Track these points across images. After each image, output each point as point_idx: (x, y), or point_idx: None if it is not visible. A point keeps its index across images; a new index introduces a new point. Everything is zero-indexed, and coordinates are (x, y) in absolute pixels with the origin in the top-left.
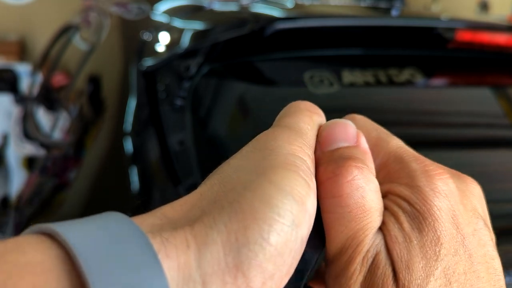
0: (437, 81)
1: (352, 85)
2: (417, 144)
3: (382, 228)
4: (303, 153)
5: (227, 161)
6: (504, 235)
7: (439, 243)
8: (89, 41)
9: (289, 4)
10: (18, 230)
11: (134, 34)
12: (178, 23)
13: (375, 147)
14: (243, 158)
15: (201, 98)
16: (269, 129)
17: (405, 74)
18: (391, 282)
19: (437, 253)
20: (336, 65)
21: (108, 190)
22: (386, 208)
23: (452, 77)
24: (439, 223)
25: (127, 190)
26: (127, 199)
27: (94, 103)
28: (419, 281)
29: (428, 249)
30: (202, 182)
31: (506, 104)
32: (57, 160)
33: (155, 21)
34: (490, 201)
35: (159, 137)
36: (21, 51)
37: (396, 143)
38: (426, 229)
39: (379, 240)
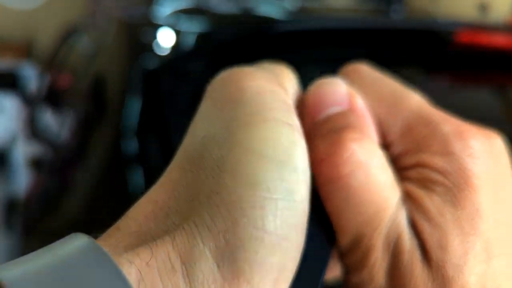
0: (437, 82)
1: None
2: None
3: (409, 204)
4: (270, 84)
5: (191, 129)
6: None
7: (478, 216)
8: (94, 43)
9: (293, 7)
10: (26, 229)
11: (138, 36)
12: (182, 24)
13: (392, 108)
14: (207, 121)
15: None
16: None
17: (405, 76)
18: (420, 265)
19: (475, 227)
20: (337, 66)
21: (112, 191)
22: (414, 181)
23: (452, 78)
24: (477, 194)
25: (131, 191)
26: (131, 201)
27: (99, 105)
28: (455, 260)
29: (464, 223)
30: (171, 166)
31: (506, 105)
32: (63, 161)
33: (159, 23)
34: None
35: (162, 138)
36: (28, 53)
37: (417, 101)
38: (463, 202)
39: (400, 218)
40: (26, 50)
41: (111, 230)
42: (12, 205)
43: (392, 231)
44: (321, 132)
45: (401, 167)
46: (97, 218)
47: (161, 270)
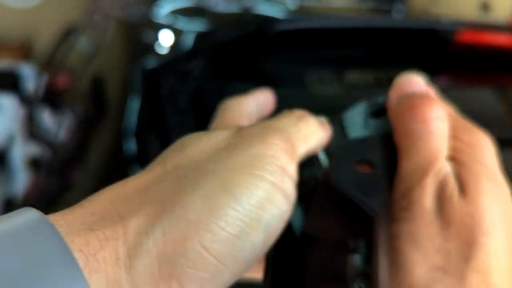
0: (438, 82)
1: (353, 86)
2: None
3: (452, 160)
4: (276, 150)
5: (195, 141)
6: None
7: (499, 171)
8: (93, 43)
9: (292, 6)
10: None
11: (137, 36)
12: (181, 24)
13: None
14: (210, 147)
15: (204, 99)
16: (250, 126)
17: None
18: (458, 197)
19: (499, 179)
20: (338, 66)
21: None
22: (451, 148)
23: (453, 78)
24: (493, 158)
25: None
26: None
27: (98, 105)
28: (489, 195)
29: (490, 174)
30: (159, 160)
31: (507, 105)
32: (62, 161)
33: (158, 23)
34: None
35: (162, 138)
36: (26, 52)
37: (451, 108)
38: (485, 159)
39: (447, 164)
40: (25, 50)
41: (74, 207)
42: (11, 205)
43: (444, 167)
44: (408, 97)
45: None
46: None
47: (106, 260)
